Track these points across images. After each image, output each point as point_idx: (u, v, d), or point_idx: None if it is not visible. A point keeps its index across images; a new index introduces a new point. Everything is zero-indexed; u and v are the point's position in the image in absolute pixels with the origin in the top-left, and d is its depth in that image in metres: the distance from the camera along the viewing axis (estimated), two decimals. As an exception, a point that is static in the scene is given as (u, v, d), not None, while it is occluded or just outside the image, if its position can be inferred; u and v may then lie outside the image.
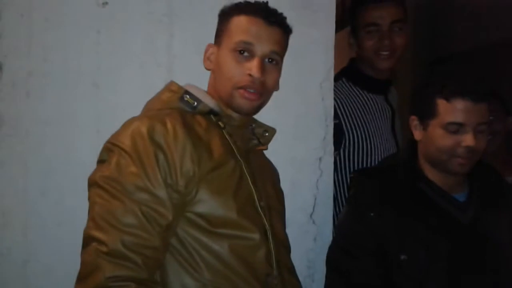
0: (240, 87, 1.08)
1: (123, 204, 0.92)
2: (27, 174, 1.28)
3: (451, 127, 1.24)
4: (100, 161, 1.01)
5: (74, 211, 1.24)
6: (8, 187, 1.27)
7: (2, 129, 1.27)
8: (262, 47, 1.09)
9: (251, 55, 1.09)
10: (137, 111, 1.16)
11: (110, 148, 0.99)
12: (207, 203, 0.99)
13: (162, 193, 0.95)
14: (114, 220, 0.91)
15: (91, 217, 0.94)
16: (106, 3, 1.31)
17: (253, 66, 1.07)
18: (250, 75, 1.07)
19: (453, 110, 1.24)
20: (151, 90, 1.18)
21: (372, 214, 1.28)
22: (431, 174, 1.33)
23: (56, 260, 1.28)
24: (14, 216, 1.28)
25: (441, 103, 1.26)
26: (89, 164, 1.07)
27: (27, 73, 1.27)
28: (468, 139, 1.23)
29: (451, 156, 1.26)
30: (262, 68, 1.08)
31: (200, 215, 0.98)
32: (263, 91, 1.10)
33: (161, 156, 0.96)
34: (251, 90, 1.08)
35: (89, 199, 0.97)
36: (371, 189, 1.34)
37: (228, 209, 1.00)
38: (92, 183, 0.97)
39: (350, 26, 1.77)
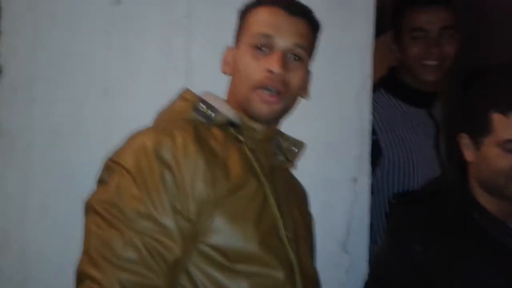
0: (258, 87, 0.93)
1: (122, 234, 0.78)
2: (27, 190, 1.18)
3: (509, 145, 1.09)
4: (100, 182, 0.88)
5: (76, 233, 1.10)
6: (7, 204, 1.17)
7: (1, 139, 1.17)
8: (283, 40, 0.94)
9: (271, 50, 0.94)
10: (150, 122, 1.03)
11: (111, 166, 0.86)
12: (223, 233, 0.83)
13: (169, 221, 0.80)
14: (111, 254, 0.77)
15: (85, 250, 0.80)
16: (119, 1, 1.21)
17: (272, 61, 0.92)
18: (269, 71, 0.93)
19: (511, 125, 1.09)
20: (167, 98, 1.06)
21: (417, 246, 1.12)
22: (485, 200, 1.17)
23: (55, 284, 1.16)
24: (12, 236, 1.18)
25: (497, 118, 1.11)
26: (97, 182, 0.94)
27: (30, 77, 1.17)
28: None
29: (510, 180, 1.10)
30: (284, 63, 0.93)
31: (215, 248, 0.83)
32: (285, 91, 0.95)
33: (168, 177, 0.81)
34: (271, 90, 0.93)
35: (84, 226, 0.84)
36: (416, 218, 1.18)
37: (248, 240, 0.84)
38: (88, 209, 0.83)
39: (392, 29, 1.61)
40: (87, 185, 1.13)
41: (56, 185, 1.18)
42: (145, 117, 1.10)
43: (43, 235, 1.18)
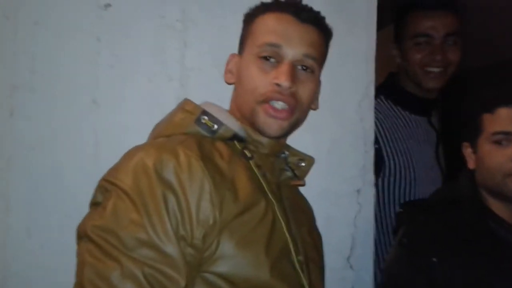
0: (265, 101, 0.86)
1: (119, 264, 0.70)
2: (9, 209, 1.07)
3: (497, 137, 1.12)
4: (94, 204, 0.79)
5: (64, 254, 1.01)
6: (-13, 224, 1.07)
7: (-21, 154, 1.07)
8: (293, 50, 0.87)
9: (279, 61, 0.87)
10: (144, 134, 0.96)
11: (106, 187, 0.77)
12: (231, 260, 0.76)
13: (172, 249, 0.72)
14: (108, 287, 0.68)
15: (79, 282, 0.71)
16: (109, 5, 1.12)
17: (280, 73, 0.85)
18: (277, 84, 0.86)
19: (497, 119, 1.13)
20: (161, 109, 1.00)
21: (433, 258, 1.08)
22: (498, 209, 1.15)
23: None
24: (-7, 259, 1.07)
25: (486, 117, 1.15)
26: (84, 200, 0.86)
27: (10, 87, 1.07)
28: None
29: (505, 175, 1.10)
30: (293, 75, 0.86)
31: (222, 276, 0.75)
32: (295, 106, 0.88)
33: (171, 199, 0.74)
34: (279, 104, 0.86)
35: (77, 255, 0.75)
36: (430, 228, 1.13)
37: (259, 267, 0.77)
38: (81, 235, 0.75)
39: (394, 34, 1.55)
40: (73, 202, 1.07)
41: (40, 202, 1.08)
42: (137, 129, 1.04)
43: (26, 256, 1.08)
